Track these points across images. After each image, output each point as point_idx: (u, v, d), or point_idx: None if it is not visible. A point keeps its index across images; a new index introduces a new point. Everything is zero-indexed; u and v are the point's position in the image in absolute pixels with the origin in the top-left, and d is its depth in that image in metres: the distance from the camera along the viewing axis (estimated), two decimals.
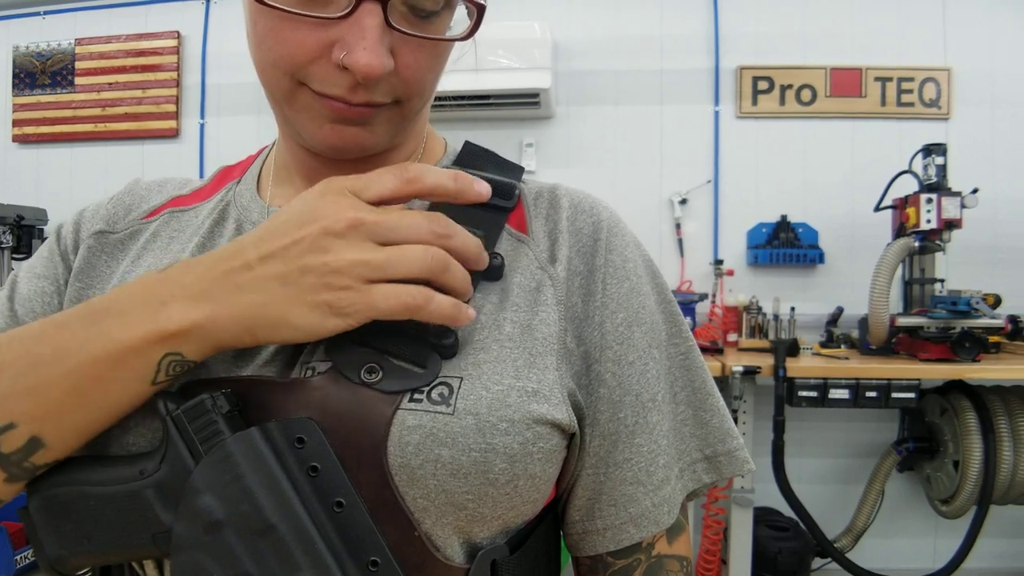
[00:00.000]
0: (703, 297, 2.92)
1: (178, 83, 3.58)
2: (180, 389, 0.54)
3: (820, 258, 3.09)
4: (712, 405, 0.64)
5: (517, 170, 0.67)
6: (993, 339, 2.68)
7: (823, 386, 2.55)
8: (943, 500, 2.87)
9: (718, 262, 3.11)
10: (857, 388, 2.54)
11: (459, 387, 0.52)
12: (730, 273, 3.10)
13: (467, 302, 0.53)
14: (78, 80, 3.64)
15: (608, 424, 0.59)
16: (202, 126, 3.57)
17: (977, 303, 2.52)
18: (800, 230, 3.12)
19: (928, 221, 2.58)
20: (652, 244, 3.13)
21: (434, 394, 0.52)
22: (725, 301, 3.08)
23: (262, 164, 0.72)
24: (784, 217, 3.12)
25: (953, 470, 2.79)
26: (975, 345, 2.53)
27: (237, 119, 3.53)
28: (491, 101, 3.11)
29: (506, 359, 0.55)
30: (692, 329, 2.60)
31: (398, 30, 0.53)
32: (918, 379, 2.53)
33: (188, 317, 0.49)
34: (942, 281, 2.80)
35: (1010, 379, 2.55)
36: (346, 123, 0.56)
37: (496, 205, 0.62)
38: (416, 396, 0.52)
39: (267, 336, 0.50)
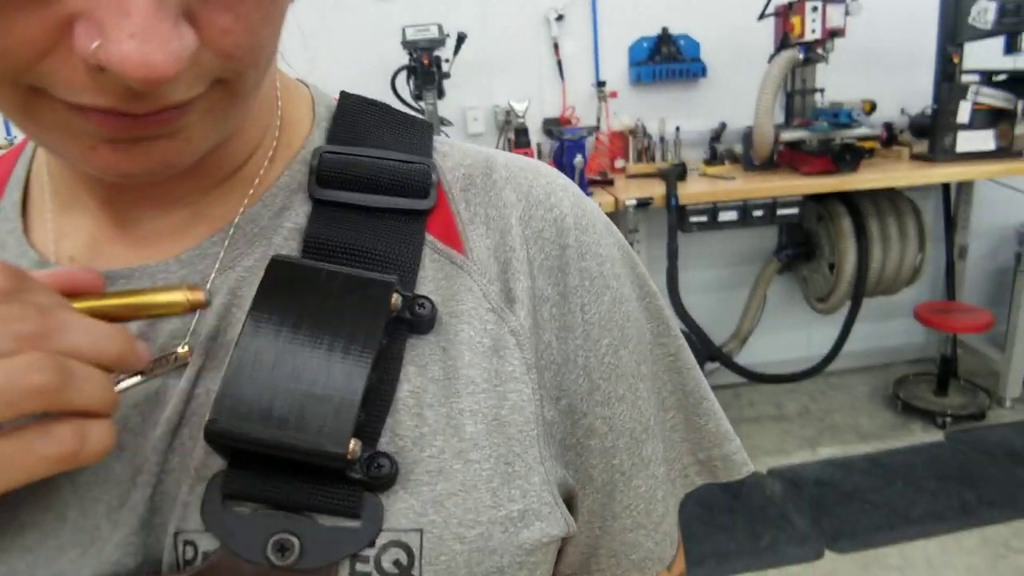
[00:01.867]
0: (592, 131, 2.82)
1: None
2: None
3: (703, 72, 3.02)
4: (706, 409, 0.54)
5: (423, 132, 0.49)
6: (869, 145, 2.75)
7: (712, 210, 2.59)
8: (819, 299, 3.08)
9: (600, 84, 2.98)
10: (745, 208, 2.60)
11: (421, 547, 0.38)
12: (613, 95, 2.99)
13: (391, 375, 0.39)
14: None
15: (602, 475, 0.49)
16: None
17: (858, 114, 2.55)
18: (682, 43, 3.00)
19: (813, 31, 2.54)
20: (530, 69, 2.96)
21: (386, 563, 0.37)
22: (611, 126, 3.00)
23: (26, 174, 0.47)
24: (665, 30, 2.99)
25: (828, 271, 2.97)
26: (855, 156, 2.59)
27: None
28: None
29: (477, 483, 0.40)
30: (584, 163, 2.57)
31: None
32: (801, 194, 2.60)
33: None
34: (822, 91, 2.81)
35: (886, 186, 2.65)
36: (135, 140, 0.34)
37: (404, 210, 0.44)
38: (361, 568, 0.37)
39: None
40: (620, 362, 0.48)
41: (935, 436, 2.88)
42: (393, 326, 0.41)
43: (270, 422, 0.36)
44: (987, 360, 3.16)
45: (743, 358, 3.16)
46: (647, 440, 0.51)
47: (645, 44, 3.01)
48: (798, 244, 3.11)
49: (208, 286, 0.42)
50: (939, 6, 2.68)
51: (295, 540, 0.37)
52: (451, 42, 2.56)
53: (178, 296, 0.37)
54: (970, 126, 2.69)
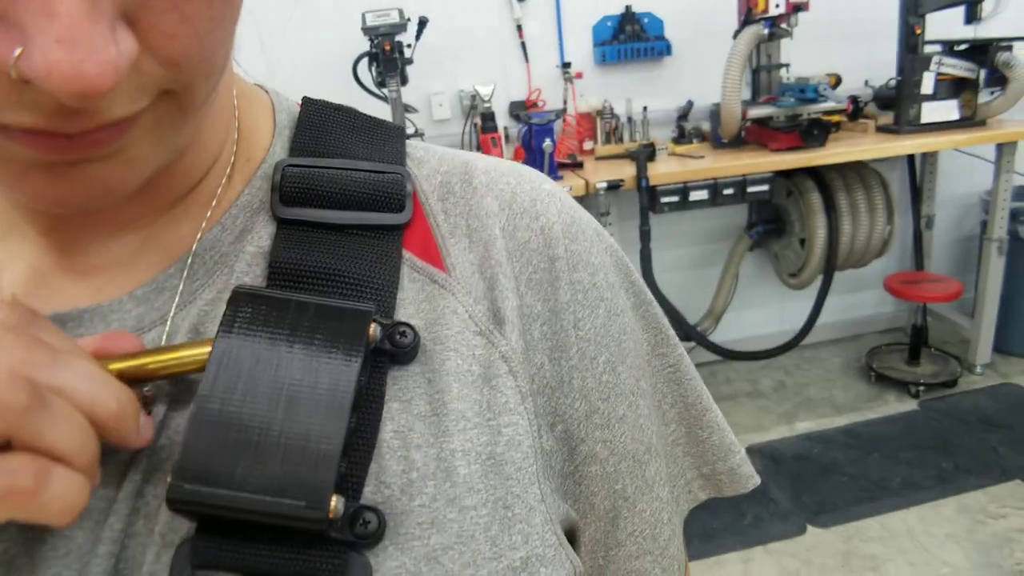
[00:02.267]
0: (559, 114, 2.78)
1: None
2: None
3: (667, 49, 2.98)
4: (710, 421, 0.51)
5: (395, 137, 0.45)
6: (835, 119, 2.75)
7: (683, 190, 2.57)
8: (791, 274, 3.09)
9: (566, 65, 2.94)
10: (715, 187, 2.58)
11: None
12: (579, 76, 2.95)
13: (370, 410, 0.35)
14: None
15: (604, 503, 0.45)
16: None
17: (824, 88, 2.54)
18: (646, 20, 2.97)
19: (777, 5, 2.51)
20: (494, 52, 2.90)
21: None
22: (578, 108, 2.96)
23: None
24: (628, 8, 2.95)
25: (800, 247, 2.97)
26: (822, 132, 2.59)
27: None
28: None
29: (475, 532, 0.36)
30: (553, 147, 2.53)
31: None
32: (771, 171, 2.59)
33: None
34: (787, 66, 2.79)
35: (854, 159, 2.66)
36: (71, 164, 0.30)
37: (377, 225, 0.40)
38: None
39: None
40: (619, 380, 0.44)
41: (909, 405, 2.91)
42: (373, 358, 0.36)
43: (239, 483, 0.32)
44: (957, 328, 3.20)
45: (717, 336, 3.17)
46: (650, 461, 0.47)
47: (609, 23, 2.97)
48: (768, 221, 3.11)
49: (168, 325, 0.37)
50: None
51: None
52: (413, 27, 2.50)
53: (207, 348, 0.34)
54: (934, 96, 2.70)
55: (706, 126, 2.93)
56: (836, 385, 3.14)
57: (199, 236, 0.39)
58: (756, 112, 2.62)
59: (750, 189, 2.60)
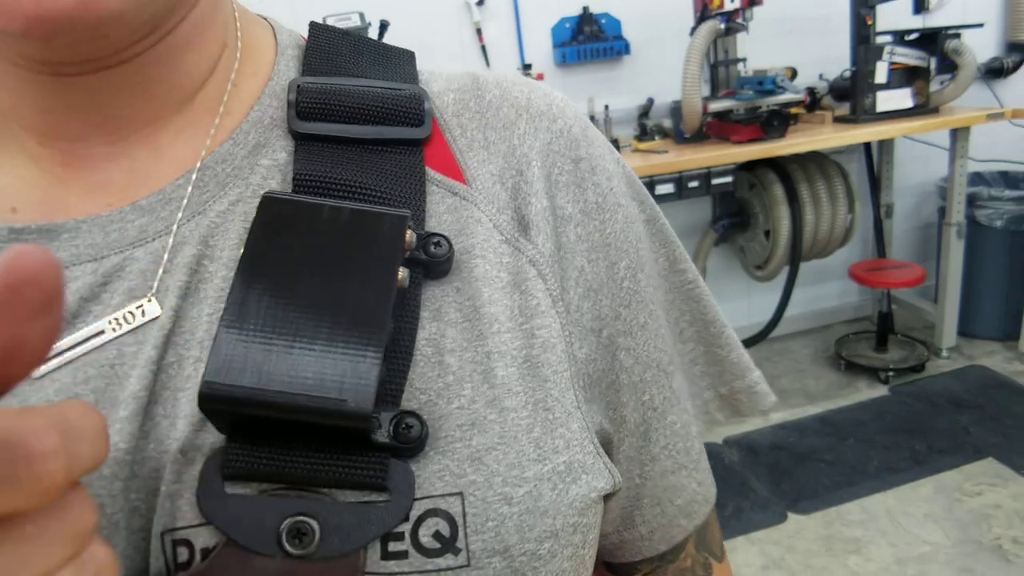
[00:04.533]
0: None
1: None
2: None
3: (626, 48, 3.00)
4: (728, 339, 0.49)
5: (407, 60, 0.44)
6: (794, 111, 2.79)
7: (649, 184, 2.57)
8: (757, 266, 3.11)
9: (526, 67, 2.94)
10: (680, 180, 2.59)
11: (464, 513, 0.32)
12: (540, 77, 2.96)
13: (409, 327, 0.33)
14: None
15: (635, 414, 0.43)
16: None
17: (782, 80, 2.58)
18: (603, 21, 2.99)
19: (732, 0, 2.54)
20: (454, 56, 2.90)
21: (424, 537, 0.32)
22: None
23: None
24: (586, 9, 2.96)
25: (765, 239, 3.00)
26: (782, 122, 2.62)
27: None
28: None
29: (517, 433, 0.35)
30: None
31: None
32: (734, 163, 2.61)
33: None
34: (744, 60, 2.83)
35: (813, 149, 2.69)
36: None
37: (398, 140, 0.39)
38: (394, 547, 0.31)
39: None
40: (639, 287, 0.43)
41: (880, 391, 2.95)
42: (407, 267, 0.35)
43: (278, 380, 0.30)
44: (921, 313, 3.25)
45: None
46: (674, 372, 0.46)
47: (567, 25, 2.98)
48: (733, 214, 3.14)
49: (172, 236, 0.35)
50: None
51: (313, 523, 0.31)
52: (374, 31, 2.48)
53: None
54: (888, 85, 2.75)
55: (667, 123, 2.95)
56: (807, 375, 3.16)
57: (206, 146, 0.37)
58: (717, 106, 2.65)
59: (714, 181, 2.61)
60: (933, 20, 2.98)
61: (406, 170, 0.38)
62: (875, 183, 3.28)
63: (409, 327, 0.35)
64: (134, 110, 0.36)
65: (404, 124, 0.39)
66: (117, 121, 0.36)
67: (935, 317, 3.12)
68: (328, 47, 0.42)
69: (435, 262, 0.36)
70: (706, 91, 2.88)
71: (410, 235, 0.34)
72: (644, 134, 2.97)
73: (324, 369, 0.30)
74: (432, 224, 0.38)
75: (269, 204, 0.34)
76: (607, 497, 0.43)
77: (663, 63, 2.99)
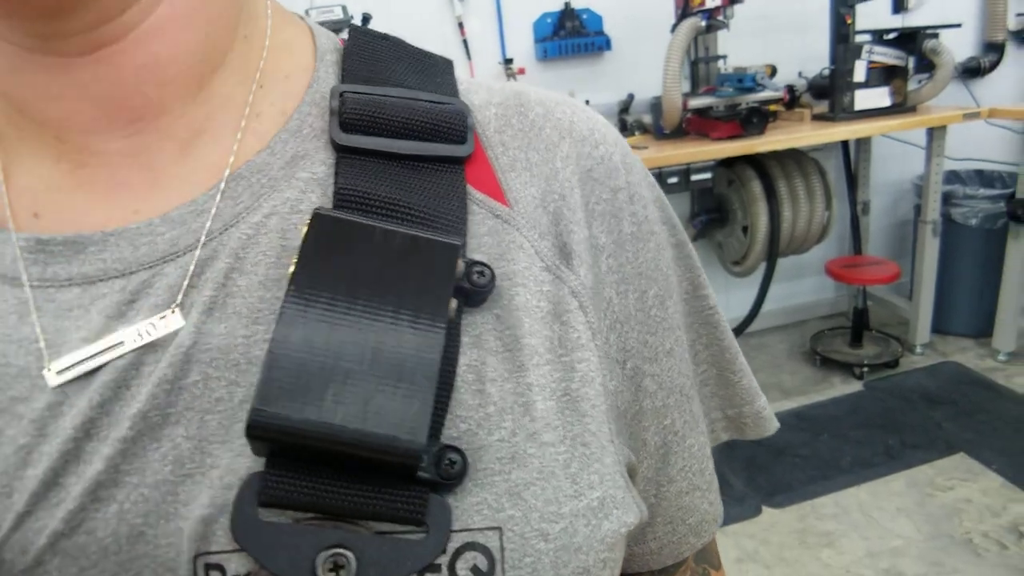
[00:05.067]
0: None
1: None
2: None
3: (607, 44, 3.01)
4: (741, 365, 0.50)
5: (446, 70, 0.43)
6: (773, 108, 2.81)
7: None
8: (735, 262, 3.13)
9: (508, 61, 2.94)
10: (660, 176, 2.61)
11: (501, 548, 0.32)
12: (522, 72, 2.96)
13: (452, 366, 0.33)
14: None
15: (656, 438, 0.43)
16: None
17: (762, 78, 2.59)
18: (585, 16, 2.99)
19: None
20: (436, 49, 2.84)
21: (461, 570, 0.31)
22: None
23: None
24: (567, 4, 2.97)
25: (742, 235, 3.02)
26: (761, 119, 2.63)
27: None
28: None
29: (555, 468, 0.34)
30: None
31: None
32: (714, 159, 2.63)
33: None
34: (724, 58, 2.84)
35: (792, 146, 2.71)
36: None
37: (439, 157, 0.38)
38: None
39: None
40: (666, 314, 0.43)
41: (854, 387, 2.98)
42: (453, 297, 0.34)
43: (329, 411, 0.29)
44: (896, 309, 3.29)
45: None
46: (694, 396, 0.46)
47: (549, 20, 2.98)
48: (711, 210, 3.16)
49: (199, 249, 0.34)
50: None
51: (351, 555, 0.30)
52: (356, 23, 2.47)
53: None
54: (866, 84, 2.77)
55: (647, 119, 2.96)
56: (783, 370, 3.19)
57: (234, 152, 0.36)
58: (697, 102, 2.66)
59: (694, 177, 2.63)
60: (912, 20, 3.01)
61: (448, 189, 0.37)
62: (852, 180, 3.31)
63: (451, 354, 0.34)
64: (143, 96, 0.34)
65: (447, 141, 0.38)
66: (128, 109, 0.34)
67: (910, 314, 3.16)
68: (368, 52, 0.41)
69: (476, 292, 0.35)
70: (686, 87, 2.89)
71: (460, 264, 0.34)
72: (624, 129, 2.98)
73: (376, 403, 0.30)
74: (473, 246, 0.37)
75: (320, 222, 0.33)
76: None
77: (644, 59, 3.00)
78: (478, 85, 0.43)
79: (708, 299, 0.48)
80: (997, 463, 2.40)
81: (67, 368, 0.32)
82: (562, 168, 0.40)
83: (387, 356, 0.31)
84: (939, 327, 3.23)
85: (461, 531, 0.32)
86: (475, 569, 0.31)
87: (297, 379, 0.30)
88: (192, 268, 0.34)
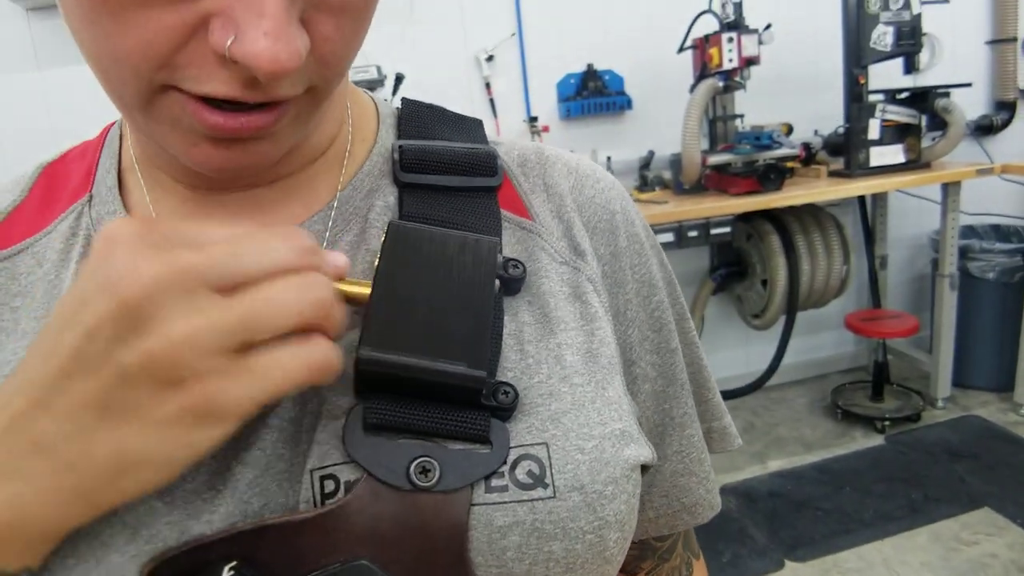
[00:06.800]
0: None
1: None
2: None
3: (628, 104, 3.11)
4: (712, 384, 0.59)
5: (477, 127, 0.55)
6: (789, 165, 2.88)
7: None
8: (754, 315, 3.17)
9: (532, 119, 3.04)
10: (680, 230, 2.67)
11: (549, 457, 0.41)
12: (546, 129, 3.06)
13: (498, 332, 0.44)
14: None
15: (654, 416, 0.53)
16: None
17: (778, 136, 2.67)
18: (607, 77, 3.10)
19: (730, 60, 2.65)
20: (465, 107, 2.94)
21: (519, 474, 0.40)
22: None
23: (117, 161, 0.50)
24: (590, 66, 3.08)
25: (762, 288, 3.06)
26: (778, 176, 2.70)
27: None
28: None
29: (584, 402, 0.44)
30: None
31: None
32: (732, 214, 2.69)
33: None
34: (742, 116, 2.93)
35: (809, 201, 2.77)
36: (233, 141, 0.39)
37: (478, 187, 0.49)
38: (495, 483, 0.40)
39: (117, 496, 0.34)
40: (666, 318, 0.54)
41: (876, 440, 2.98)
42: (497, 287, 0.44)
43: (416, 350, 0.39)
44: (916, 363, 3.29)
45: None
46: (691, 395, 0.56)
47: (572, 80, 3.10)
48: (731, 264, 3.21)
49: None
50: (843, 33, 2.84)
51: (435, 463, 0.39)
52: (390, 83, 2.59)
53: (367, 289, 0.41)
54: (880, 142, 2.84)
55: (667, 174, 3.03)
56: (804, 424, 3.20)
57: (337, 193, 0.48)
58: (715, 159, 2.74)
59: (713, 231, 2.69)
60: (923, 80, 3.09)
61: (485, 210, 0.48)
62: (869, 235, 3.36)
63: (497, 325, 0.44)
64: (270, 175, 0.47)
65: (482, 175, 0.50)
66: (254, 179, 0.47)
67: (930, 367, 3.17)
68: (417, 116, 0.54)
69: (512, 280, 0.45)
70: (705, 145, 2.97)
71: (500, 256, 0.44)
72: (645, 185, 3.06)
73: (450, 341, 0.40)
74: (507, 251, 0.48)
75: (395, 228, 0.43)
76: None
77: (664, 118, 3.09)
78: (504, 139, 0.56)
79: (691, 322, 0.58)
80: (1022, 517, 2.39)
81: None
82: (568, 194, 0.52)
83: (455, 312, 0.41)
84: (960, 381, 3.23)
85: (516, 447, 0.41)
86: (530, 473, 0.40)
87: (390, 327, 0.40)
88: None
